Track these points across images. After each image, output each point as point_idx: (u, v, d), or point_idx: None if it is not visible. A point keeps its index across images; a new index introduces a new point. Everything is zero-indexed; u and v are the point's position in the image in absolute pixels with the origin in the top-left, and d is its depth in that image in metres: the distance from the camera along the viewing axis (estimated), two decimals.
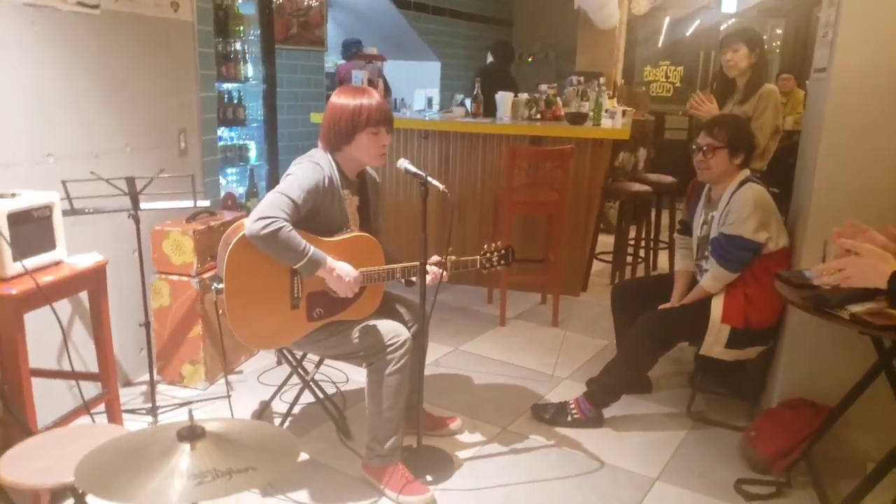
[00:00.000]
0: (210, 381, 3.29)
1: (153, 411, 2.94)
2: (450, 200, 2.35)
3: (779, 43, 10.08)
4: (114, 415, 2.71)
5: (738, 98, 3.52)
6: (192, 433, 0.99)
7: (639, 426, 3.05)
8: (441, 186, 2.30)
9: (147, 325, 2.92)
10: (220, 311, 2.43)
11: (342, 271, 2.33)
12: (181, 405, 3.09)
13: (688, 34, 10.32)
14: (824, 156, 2.70)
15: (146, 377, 3.08)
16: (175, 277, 3.19)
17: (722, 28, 9.97)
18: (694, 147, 2.97)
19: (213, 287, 2.36)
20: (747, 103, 3.44)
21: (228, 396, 2.97)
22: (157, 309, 3.23)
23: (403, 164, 2.39)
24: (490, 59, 5.75)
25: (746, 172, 2.91)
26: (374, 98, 2.40)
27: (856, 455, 2.69)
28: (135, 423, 2.89)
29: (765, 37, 8.94)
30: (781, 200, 3.20)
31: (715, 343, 2.86)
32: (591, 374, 3.11)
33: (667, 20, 10.34)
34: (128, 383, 3.29)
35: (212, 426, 1.01)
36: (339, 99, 2.42)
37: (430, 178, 2.31)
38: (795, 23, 9.94)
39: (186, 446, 0.97)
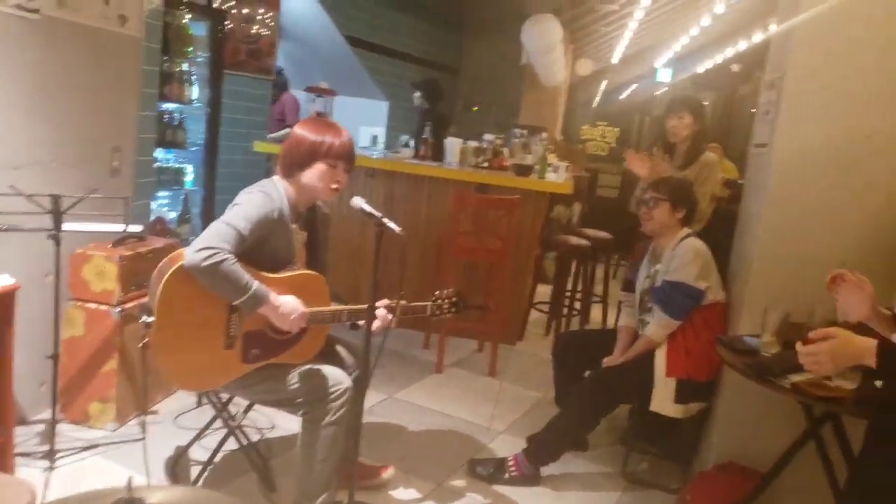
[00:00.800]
0: (120, 422, 3.01)
1: (50, 456, 2.64)
2: (403, 243, 2.26)
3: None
4: (5, 461, 2.42)
5: (678, 163, 3.64)
6: None
7: (576, 485, 2.99)
8: (397, 229, 2.21)
9: (55, 357, 2.65)
10: (142, 344, 2.23)
11: (287, 307, 2.19)
12: (84, 449, 2.80)
13: (622, 98, 10.74)
14: (766, 226, 2.78)
15: (44, 415, 2.79)
16: (93, 306, 2.94)
17: (656, 94, 10.43)
18: (640, 201, 3.10)
19: (141, 319, 2.17)
20: (688, 169, 3.55)
21: (143, 439, 2.72)
22: (68, 339, 2.94)
23: (359, 202, 2.29)
24: (419, 98, 5.70)
25: (688, 230, 3.03)
26: (342, 135, 2.33)
27: None
28: (28, 469, 2.59)
29: None
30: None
31: (665, 398, 2.85)
32: (527, 428, 3.04)
33: (604, 83, 10.75)
34: (23, 421, 2.92)
35: (154, 497, 0.86)
36: (304, 128, 2.34)
37: (385, 220, 2.22)
38: (723, 97, 10.51)
39: None
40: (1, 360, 2.36)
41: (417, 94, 5.75)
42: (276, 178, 2.38)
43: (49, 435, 2.66)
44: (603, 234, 5.28)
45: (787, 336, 2.41)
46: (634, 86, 10.64)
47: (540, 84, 7.58)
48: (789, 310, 2.44)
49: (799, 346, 1.60)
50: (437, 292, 2.49)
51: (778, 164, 2.73)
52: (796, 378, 2.16)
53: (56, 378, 2.68)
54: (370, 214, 2.23)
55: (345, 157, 2.32)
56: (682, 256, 2.90)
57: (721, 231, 3.62)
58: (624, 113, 10.54)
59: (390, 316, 2.35)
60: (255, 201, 2.22)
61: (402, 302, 2.39)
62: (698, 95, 10.43)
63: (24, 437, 2.82)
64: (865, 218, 2.65)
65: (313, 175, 2.30)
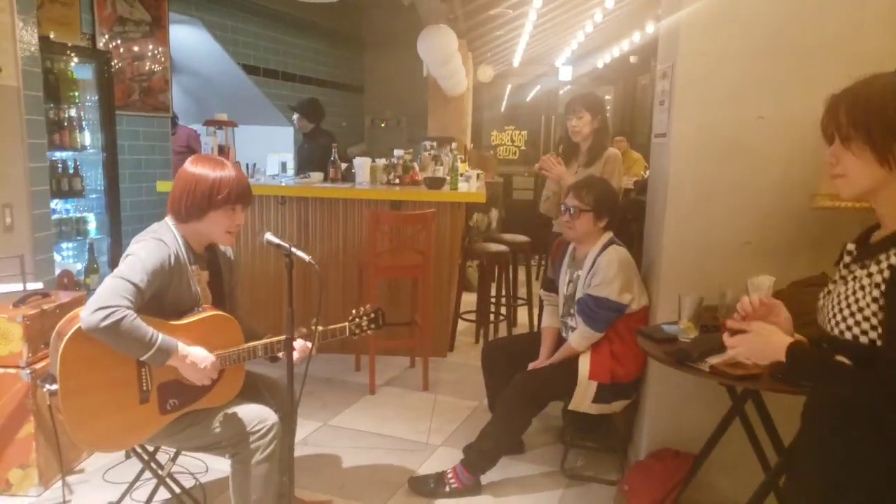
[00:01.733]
0: (45, 486, 2.87)
1: None
2: (316, 271, 2.24)
3: (609, 108, 10.95)
4: None
5: (582, 160, 3.71)
6: None
7: (517, 489, 3.02)
8: (307, 257, 2.19)
9: None
10: (50, 407, 2.13)
11: (196, 357, 2.12)
12: None
13: (528, 100, 10.96)
14: (670, 214, 2.86)
15: None
16: (0, 370, 2.80)
17: (561, 93, 10.69)
18: (563, 207, 3.06)
19: (44, 389, 2.06)
20: (593, 166, 3.63)
21: (69, 502, 2.60)
22: None
23: (267, 236, 2.25)
24: (298, 119, 5.67)
25: (610, 235, 3.03)
26: (232, 172, 2.26)
27: (722, 499, 2.80)
28: None
29: None
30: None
31: (583, 399, 2.91)
32: (465, 438, 3.06)
33: (508, 87, 10.94)
34: None
35: None
36: (195, 168, 2.24)
37: (294, 249, 2.19)
38: (623, 89, 10.86)
39: None
40: None
41: (295, 116, 5.71)
42: (168, 220, 2.29)
43: None
44: (521, 238, 5.37)
45: (703, 320, 2.49)
46: (538, 87, 10.86)
47: (444, 95, 7.66)
48: (702, 294, 2.51)
49: (726, 338, 1.64)
50: (353, 311, 2.47)
51: (675, 152, 2.81)
52: (714, 360, 2.22)
53: None
54: (278, 245, 2.20)
55: (241, 199, 2.26)
56: (605, 270, 2.88)
57: (633, 221, 3.74)
58: (531, 115, 10.74)
59: (309, 344, 2.32)
60: (150, 249, 2.14)
61: (319, 328, 2.36)
62: (600, 90, 10.80)
63: None
64: (763, 196, 2.75)
65: (211, 223, 2.25)
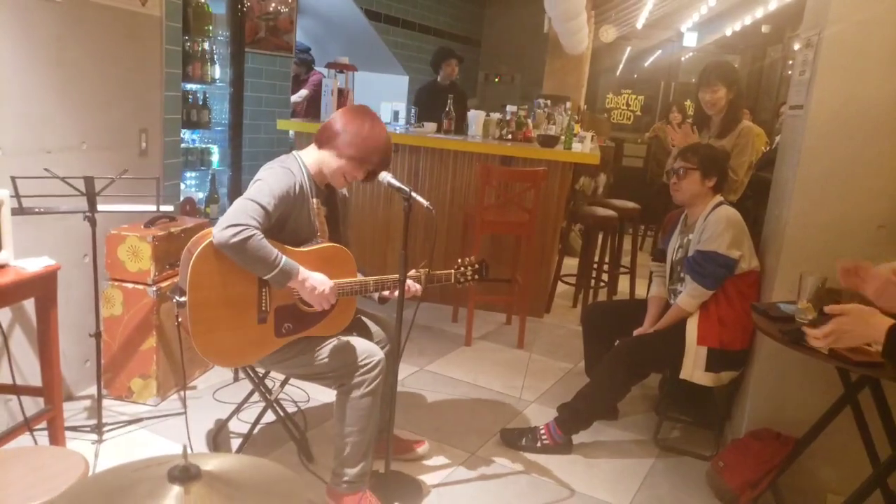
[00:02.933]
0: (161, 397, 3.10)
1: (98, 429, 2.74)
2: (433, 216, 2.26)
3: None
4: (56, 434, 2.51)
5: (714, 132, 3.54)
6: (185, 474, 0.84)
7: (607, 453, 3.01)
8: (425, 203, 2.22)
9: (98, 335, 2.72)
10: (178, 324, 2.27)
11: (316, 282, 2.21)
12: (129, 423, 2.90)
13: (647, 65, 10.54)
14: (799, 190, 2.73)
15: (90, 391, 2.89)
16: (129, 285, 3.00)
17: (683, 59, 10.23)
18: (670, 171, 3.03)
19: (174, 300, 2.20)
20: (725, 139, 3.46)
21: (184, 413, 2.78)
22: (108, 318, 3.03)
23: (386, 177, 2.30)
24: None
25: (720, 198, 2.97)
26: (386, 136, 2.35)
27: (820, 486, 2.70)
28: (78, 442, 2.70)
29: None
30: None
31: (694, 367, 2.85)
32: (557, 398, 3.06)
33: (628, 49, 10.56)
34: (69, 397, 3.06)
35: (209, 464, 0.89)
36: (355, 118, 2.33)
37: (414, 194, 2.22)
38: (751, 59, 10.26)
39: (179, 490, 0.84)
40: (47, 338, 2.43)
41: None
42: (297, 153, 2.39)
43: (96, 410, 2.75)
44: (630, 205, 5.23)
45: (824, 302, 2.36)
46: (659, 52, 10.42)
47: (563, 53, 7.47)
48: (825, 275, 2.40)
49: (812, 332, 1.57)
50: (459, 260, 2.50)
51: (812, 126, 2.66)
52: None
53: (99, 356, 2.75)
54: (399, 189, 2.23)
55: (375, 161, 2.33)
56: (713, 225, 2.85)
57: (750, 199, 3.56)
58: (649, 80, 10.33)
59: (417, 286, 2.36)
60: (278, 176, 2.24)
61: (425, 270, 2.40)
62: (725, 58, 10.25)
63: (73, 413, 2.93)
64: None
65: (336, 161, 2.32)
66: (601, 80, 10.39)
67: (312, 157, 2.36)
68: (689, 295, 2.89)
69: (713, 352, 2.83)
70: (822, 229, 2.70)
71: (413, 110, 5.23)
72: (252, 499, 0.84)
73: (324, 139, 2.34)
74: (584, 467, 2.87)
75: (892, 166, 2.59)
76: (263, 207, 2.15)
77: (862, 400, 2.35)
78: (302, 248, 2.29)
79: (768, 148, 4.99)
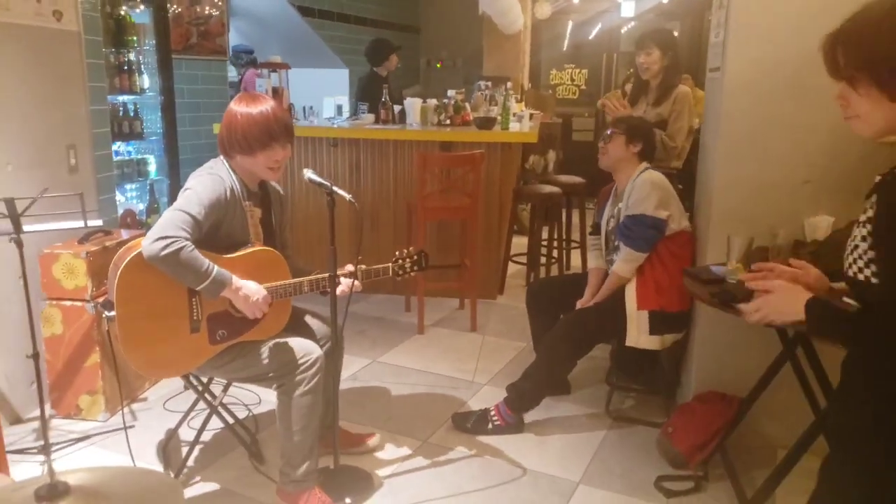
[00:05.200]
0: (111, 412, 3.08)
1: (45, 450, 2.71)
2: (357, 209, 2.27)
3: None
4: None
5: (651, 99, 3.59)
6: (52, 492, 0.84)
7: (559, 429, 3.06)
8: (347, 196, 2.22)
9: (35, 356, 2.68)
10: (109, 339, 2.25)
11: (249, 291, 2.21)
12: (77, 440, 2.87)
13: (590, 38, 10.59)
14: (723, 152, 2.78)
15: (38, 412, 2.84)
16: (68, 303, 2.97)
17: (623, 31, 10.30)
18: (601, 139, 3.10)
19: (104, 315, 2.19)
20: (662, 105, 3.52)
21: (125, 428, 2.76)
22: (49, 338, 3.00)
23: (308, 174, 2.29)
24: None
25: (646, 164, 3.02)
26: (271, 108, 2.30)
27: (767, 443, 2.77)
28: (25, 465, 2.67)
29: None
30: (688, 196, 3.29)
31: (639, 332, 2.89)
32: (510, 378, 3.09)
33: (570, 24, 10.58)
34: (18, 420, 3.03)
35: (78, 478, 0.89)
36: (237, 107, 2.31)
37: (335, 188, 2.23)
38: (690, 25, 10.35)
39: None
40: None
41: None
42: (223, 157, 2.37)
43: (42, 430, 2.71)
44: (576, 180, 5.28)
45: (753, 261, 2.42)
46: (599, 25, 10.47)
47: (500, 33, 7.48)
48: (753, 234, 2.46)
49: (743, 307, 1.63)
50: (396, 252, 2.51)
51: (729, 88, 2.71)
52: None
53: (40, 376, 2.71)
54: (319, 184, 2.24)
55: (281, 135, 2.30)
56: (639, 189, 2.90)
57: (701, 163, 3.62)
58: (591, 53, 10.38)
59: (353, 281, 2.37)
60: (206, 183, 2.22)
61: (362, 266, 2.41)
62: (666, 26, 10.34)
63: (21, 435, 2.90)
64: (823, 133, 2.63)
65: (250, 158, 2.31)
66: (543, 57, 10.40)
67: (234, 163, 2.35)
68: (624, 260, 2.93)
69: (654, 314, 2.88)
70: (748, 189, 2.75)
71: (360, 105, 5.18)
72: None
73: (223, 149, 2.34)
74: (535, 444, 2.92)
75: (809, 123, 2.64)
76: (193, 217, 2.14)
77: (800, 355, 2.40)
78: (232, 255, 2.27)
79: None
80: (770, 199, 2.73)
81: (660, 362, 3.26)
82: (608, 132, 3.03)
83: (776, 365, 2.48)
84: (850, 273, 1.38)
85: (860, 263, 1.34)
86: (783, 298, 1.51)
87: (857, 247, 1.35)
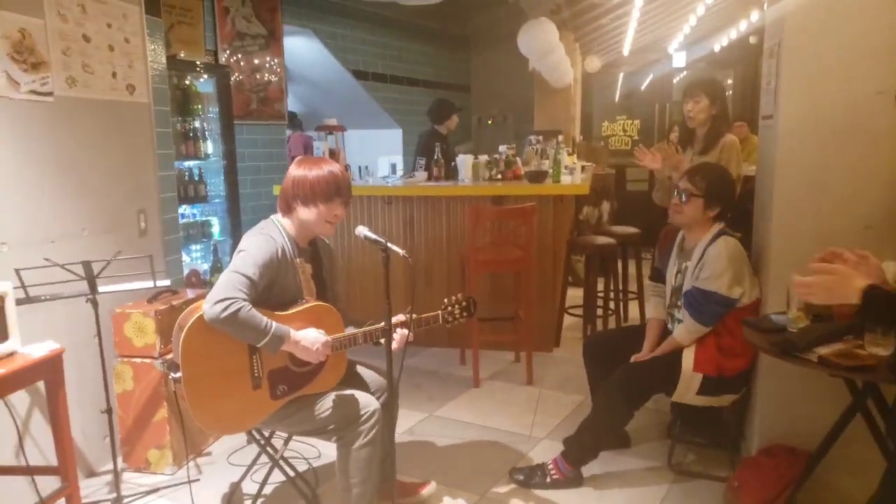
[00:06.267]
0: (178, 466, 3.16)
1: (118, 502, 2.81)
2: (411, 264, 2.33)
3: (730, 92, 10.47)
4: None
5: (698, 148, 3.58)
6: None
7: (619, 483, 2.99)
8: (401, 252, 2.29)
9: (109, 411, 2.81)
10: (176, 397, 2.34)
11: (307, 341, 2.28)
12: (147, 493, 2.96)
13: (642, 88, 10.66)
14: (778, 201, 2.75)
15: (111, 465, 2.96)
16: (138, 360, 3.10)
17: (675, 81, 10.33)
18: (674, 188, 3.00)
19: (170, 376, 2.28)
20: (709, 154, 3.50)
21: (189, 482, 2.84)
22: (121, 393, 3.13)
23: (362, 231, 2.37)
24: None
25: (721, 226, 2.91)
26: (331, 168, 2.41)
27: (842, 498, 2.65)
28: None
29: None
30: (744, 245, 3.23)
31: (686, 390, 2.84)
32: (568, 432, 3.05)
33: (620, 76, 10.69)
34: (92, 473, 3.15)
35: None
36: (297, 170, 2.43)
37: (389, 244, 2.30)
38: (743, 72, 10.34)
39: None
40: (58, 417, 2.51)
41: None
42: (275, 217, 2.49)
43: (115, 484, 2.82)
44: (630, 230, 5.26)
45: (815, 310, 2.37)
46: (650, 75, 10.54)
47: (550, 87, 7.61)
48: None
49: (795, 277, 1.63)
50: (445, 300, 2.55)
51: (783, 135, 2.69)
52: (823, 351, 2.13)
53: (113, 430, 2.84)
54: (375, 241, 2.31)
55: (339, 193, 2.41)
56: (714, 262, 2.78)
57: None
58: (643, 104, 10.44)
59: (405, 331, 2.42)
60: (260, 244, 2.33)
61: (414, 315, 2.46)
62: (718, 74, 10.33)
63: (95, 488, 3.02)
64: (881, 177, 2.58)
65: (309, 213, 2.41)
66: (595, 109, 10.50)
67: (288, 221, 2.46)
68: (687, 331, 2.87)
69: (709, 378, 2.81)
70: (806, 237, 2.69)
71: (418, 160, 5.28)
72: None
73: (283, 205, 2.45)
74: (595, 499, 2.86)
75: (866, 167, 2.61)
76: (249, 278, 2.24)
77: (872, 406, 2.32)
78: (288, 312, 2.36)
79: None
80: (830, 246, 2.67)
81: (723, 415, 3.17)
82: (684, 190, 2.89)
83: (846, 417, 2.39)
84: None
85: None
86: (837, 281, 1.54)
87: None
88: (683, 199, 2.88)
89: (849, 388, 2.33)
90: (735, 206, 3.05)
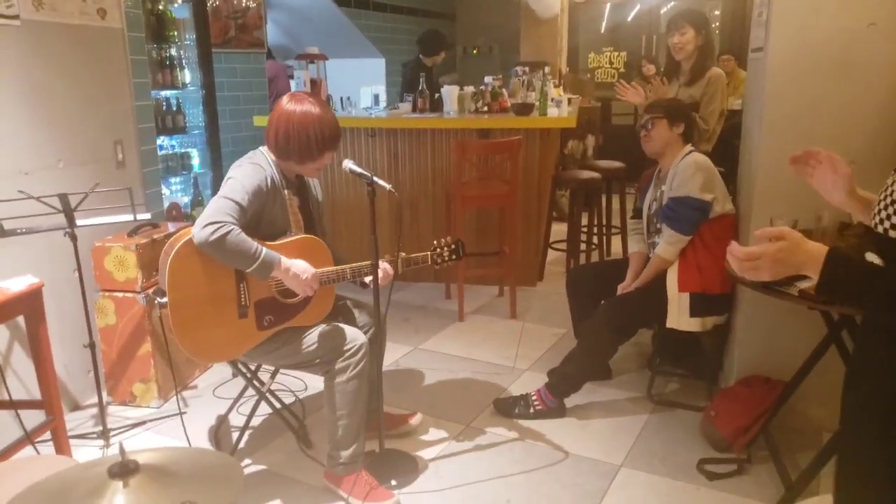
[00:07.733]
0: (164, 399, 3.18)
1: (104, 435, 2.83)
2: (397, 199, 2.31)
3: (717, 24, 10.28)
4: (60, 443, 2.59)
5: (683, 80, 3.56)
6: (124, 469, 0.90)
7: (601, 413, 3.06)
8: (387, 186, 2.26)
9: (92, 345, 2.80)
10: (162, 325, 2.34)
11: (298, 269, 2.27)
12: (134, 426, 2.99)
13: (629, 19, 10.43)
14: (766, 133, 2.74)
15: (96, 399, 2.96)
16: (120, 294, 3.08)
17: (662, 12, 10.11)
18: (639, 127, 3.06)
19: (156, 301, 2.27)
20: (694, 86, 3.48)
21: (181, 414, 2.86)
22: (104, 328, 3.11)
23: (348, 164, 2.34)
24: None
25: (690, 147, 3.00)
26: (326, 119, 2.34)
27: (811, 426, 2.74)
28: (85, 450, 2.79)
29: None
30: (728, 180, 3.25)
31: (679, 314, 2.88)
32: (551, 364, 3.10)
33: (608, 6, 10.44)
34: (76, 407, 3.17)
35: (146, 458, 0.95)
36: (293, 111, 2.32)
37: (375, 178, 2.27)
38: (732, 4, 10.14)
39: (119, 484, 0.90)
40: (40, 352, 2.50)
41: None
42: (263, 148, 2.43)
43: (101, 417, 2.83)
44: (615, 164, 5.24)
45: None
46: (637, 6, 10.31)
47: (537, 18, 7.43)
48: (796, 217, 2.42)
49: (734, 247, 1.37)
50: (435, 241, 2.54)
51: (772, 68, 2.66)
52: (804, 284, 2.16)
53: (97, 364, 2.84)
54: (360, 174, 2.27)
55: (332, 146, 2.37)
56: (683, 171, 2.89)
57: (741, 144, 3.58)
58: (630, 36, 10.23)
59: (388, 266, 2.42)
60: (248, 172, 2.29)
61: (402, 255, 2.45)
62: (706, 6, 10.12)
63: (80, 421, 3.03)
64: (869, 109, 2.57)
65: (301, 167, 2.40)
66: (581, 41, 10.28)
67: (275, 156, 2.41)
68: (667, 242, 2.92)
69: (695, 296, 2.87)
70: (790, 169, 2.70)
71: (406, 96, 5.15)
72: (188, 484, 0.90)
73: (275, 151, 2.38)
74: (577, 429, 2.93)
75: (854, 101, 2.59)
76: (238, 203, 2.21)
77: (846, 337, 2.36)
78: (278, 241, 2.33)
79: None
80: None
81: (702, 347, 3.24)
82: (647, 119, 3.00)
83: (821, 348, 2.45)
84: (881, 230, 1.32)
85: (894, 220, 1.28)
86: (792, 249, 1.30)
87: (894, 201, 1.27)
88: (650, 126, 2.98)
89: (825, 321, 2.37)
90: (694, 124, 3.14)
